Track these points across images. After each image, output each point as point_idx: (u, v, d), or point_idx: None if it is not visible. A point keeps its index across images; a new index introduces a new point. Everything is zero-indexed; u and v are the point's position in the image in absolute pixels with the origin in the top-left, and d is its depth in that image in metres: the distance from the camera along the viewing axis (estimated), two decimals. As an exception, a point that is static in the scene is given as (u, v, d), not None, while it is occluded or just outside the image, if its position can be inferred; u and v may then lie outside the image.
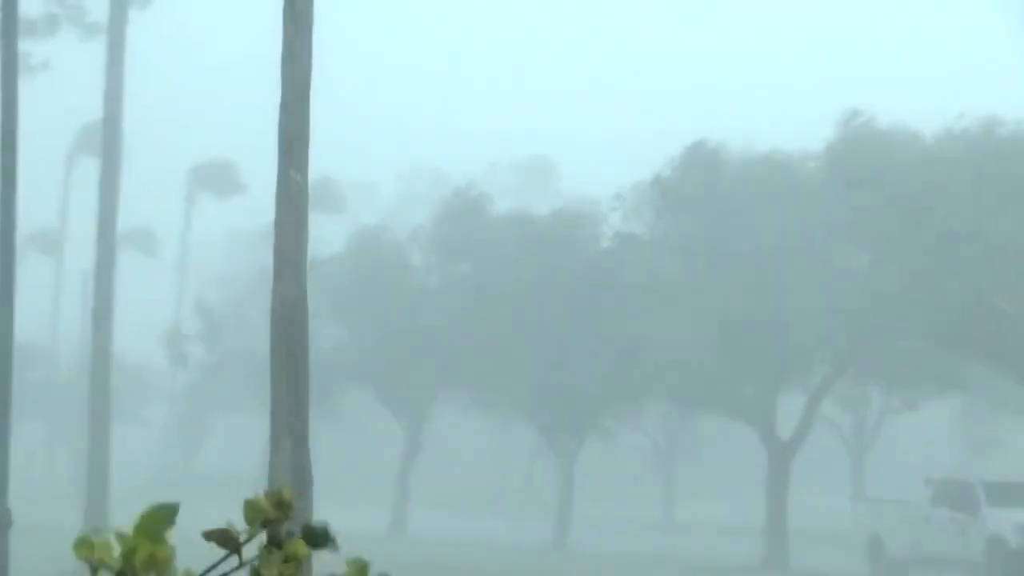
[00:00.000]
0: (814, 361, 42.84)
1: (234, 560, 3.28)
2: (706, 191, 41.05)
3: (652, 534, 55.03)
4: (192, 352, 68.52)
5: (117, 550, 3.21)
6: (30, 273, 60.15)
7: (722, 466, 72.37)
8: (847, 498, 49.91)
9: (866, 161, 40.10)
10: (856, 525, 41.35)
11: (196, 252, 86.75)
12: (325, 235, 56.93)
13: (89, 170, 38.11)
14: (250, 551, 3.30)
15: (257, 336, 57.04)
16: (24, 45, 42.01)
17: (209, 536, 3.29)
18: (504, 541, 50.42)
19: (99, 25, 38.50)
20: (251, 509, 3.31)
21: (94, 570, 3.43)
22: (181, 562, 3.26)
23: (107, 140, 36.40)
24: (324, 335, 46.67)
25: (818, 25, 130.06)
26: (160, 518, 3.19)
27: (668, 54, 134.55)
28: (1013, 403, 49.13)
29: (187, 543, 3.97)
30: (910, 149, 40.71)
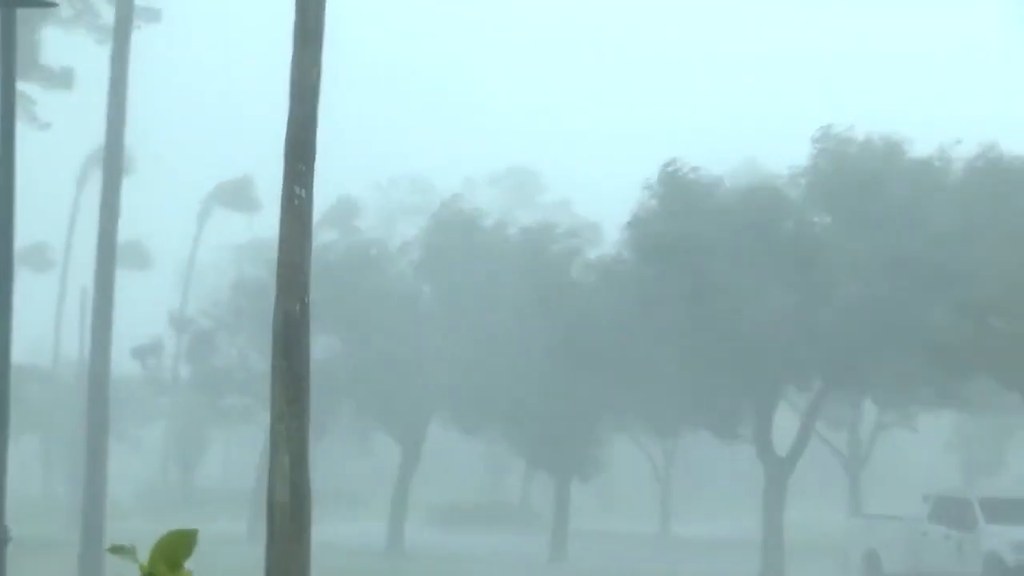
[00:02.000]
0: (810, 378, 42.93)
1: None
2: (686, 224, 40.95)
3: (649, 550, 55.05)
4: (170, 367, 68.59)
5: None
6: (31, 290, 60.20)
7: (719, 482, 72.39)
8: (844, 514, 49.97)
9: (847, 176, 40.17)
10: (852, 541, 41.40)
11: (200, 268, 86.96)
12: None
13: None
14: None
15: (252, 350, 57.17)
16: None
17: None
18: (501, 557, 50.44)
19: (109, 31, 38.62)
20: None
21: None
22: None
23: (109, 156, 36.45)
24: (316, 348, 46.56)
25: (808, 42, 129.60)
26: (178, 545, 3.22)
27: (653, 67, 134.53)
28: (1010, 420, 49.24)
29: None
30: (894, 164, 40.78)
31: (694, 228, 40.61)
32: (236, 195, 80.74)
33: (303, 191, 12.90)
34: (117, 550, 3.59)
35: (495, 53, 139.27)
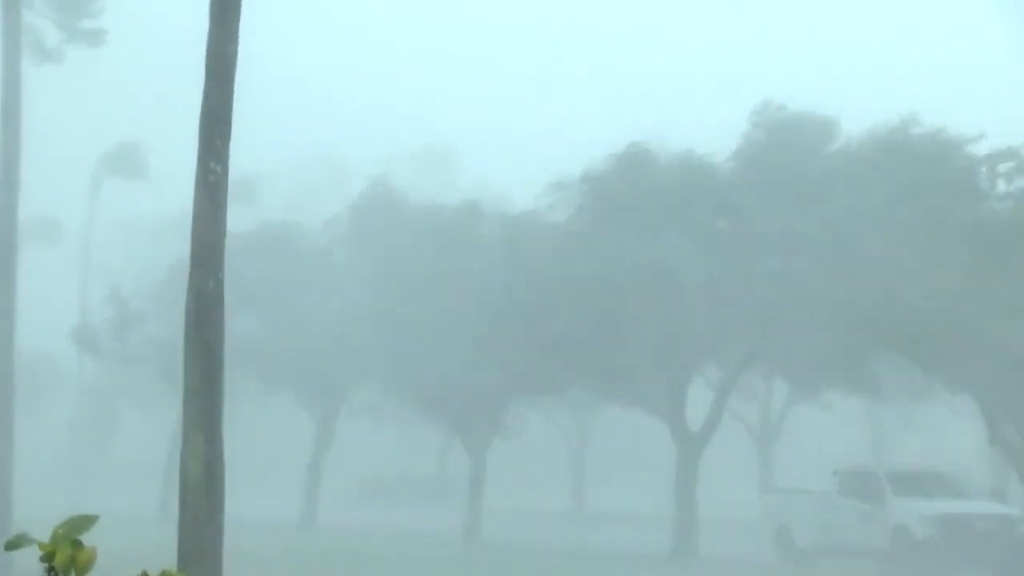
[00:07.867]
0: (724, 353, 43.19)
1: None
2: (633, 192, 41.25)
3: (563, 525, 55.23)
4: (104, 343, 67.97)
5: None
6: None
7: (633, 457, 72.64)
8: (756, 489, 50.37)
9: (777, 155, 40.43)
10: (764, 515, 41.75)
11: (102, 240, 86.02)
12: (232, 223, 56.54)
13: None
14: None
15: (169, 327, 56.75)
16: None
17: None
18: (415, 532, 50.42)
19: None
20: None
21: None
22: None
23: (7, 127, 35.97)
24: (232, 325, 46.33)
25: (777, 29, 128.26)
26: (79, 530, 3.22)
27: (595, 49, 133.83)
28: (921, 394, 49.70)
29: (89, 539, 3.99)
30: (820, 144, 41.07)
31: (624, 201, 41.01)
32: (124, 162, 79.14)
33: (218, 167, 12.79)
34: (13, 544, 3.56)
35: (405, 25, 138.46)
